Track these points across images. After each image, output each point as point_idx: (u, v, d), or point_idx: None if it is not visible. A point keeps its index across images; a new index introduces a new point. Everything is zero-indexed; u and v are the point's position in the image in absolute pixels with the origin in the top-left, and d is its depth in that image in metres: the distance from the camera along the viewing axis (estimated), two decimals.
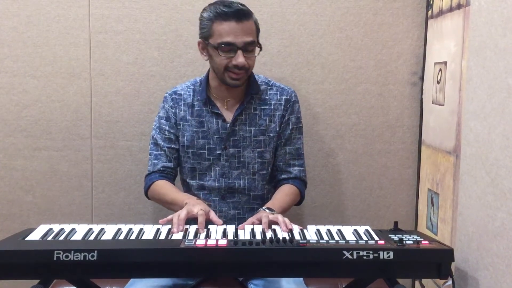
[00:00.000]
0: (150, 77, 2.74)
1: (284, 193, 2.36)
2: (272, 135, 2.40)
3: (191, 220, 2.02)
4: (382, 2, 2.73)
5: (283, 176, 2.43)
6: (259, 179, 2.41)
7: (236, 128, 2.37)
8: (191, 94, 2.41)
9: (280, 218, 2.01)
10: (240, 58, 2.20)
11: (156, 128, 2.43)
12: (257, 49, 2.30)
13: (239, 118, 2.37)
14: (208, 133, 2.37)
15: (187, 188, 2.47)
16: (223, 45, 2.20)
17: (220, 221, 2.05)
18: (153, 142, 2.43)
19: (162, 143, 2.40)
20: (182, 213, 1.98)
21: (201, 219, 1.98)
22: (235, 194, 2.40)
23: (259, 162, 2.40)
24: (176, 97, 2.42)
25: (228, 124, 2.36)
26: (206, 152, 2.38)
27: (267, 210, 2.13)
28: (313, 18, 2.73)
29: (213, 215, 2.08)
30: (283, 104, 2.40)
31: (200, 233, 1.91)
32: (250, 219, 2.10)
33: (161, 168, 2.39)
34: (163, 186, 2.34)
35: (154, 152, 2.41)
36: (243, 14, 2.20)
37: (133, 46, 2.73)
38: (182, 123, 2.40)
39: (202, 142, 2.38)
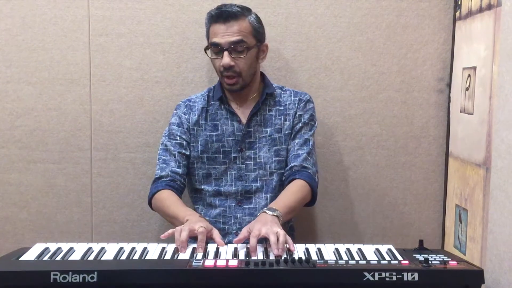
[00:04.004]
0: (154, 83, 2.76)
1: (290, 192, 2.37)
2: (287, 132, 2.49)
3: (193, 239, 2.05)
4: (406, 3, 2.74)
5: (290, 165, 2.44)
6: (276, 179, 2.48)
7: (251, 129, 2.48)
8: (206, 99, 2.54)
9: (272, 237, 1.96)
10: (224, 59, 2.37)
11: (166, 136, 2.51)
12: (265, 49, 2.50)
13: (254, 119, 2.48)
14: (223, 135, 2.48)
15: (200, 197, 2.52)
16: (212, 46, 2.42)
17: (223, 243, 2.06)
18: (163, 148, 2.50)
19: (172, 148, 2.47)
20: (184, 233, 2.01)
21: (201, 237, 2.01)
22: (252, 199, 2.47)
23: (276, 161, 2.48)
24: (190, 104, 2.54)
25: (243, 126, 2.47)
26: (221, 155, 2.48)
27: (268, 212, 2.16)
28: (332, 20, 2.75)
29: (216, 235, 2.11)
30: (296, 103, 2.52)
31: (198, 253, 1.94)
32: (243, 231, 2.09)
33: (170, 173, 2.43)
34: (167, 197, 2.37)
35: (163, 157, 2.48)
36: (228, 15, 2.37)
37: (136, 49, 2.75)
38: (195, 128, 2.50)
39: (217, 145, 2.48)
